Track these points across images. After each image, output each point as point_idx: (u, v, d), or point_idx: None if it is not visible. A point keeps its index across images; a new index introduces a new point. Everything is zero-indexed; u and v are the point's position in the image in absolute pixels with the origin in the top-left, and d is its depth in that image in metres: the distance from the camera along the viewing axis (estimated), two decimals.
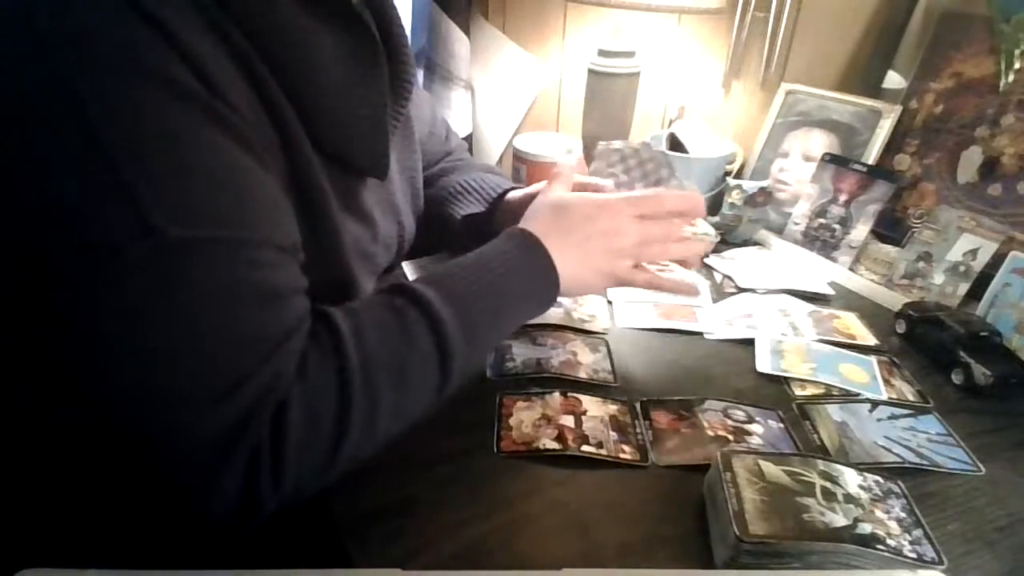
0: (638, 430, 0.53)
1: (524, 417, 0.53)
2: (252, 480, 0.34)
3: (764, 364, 0.62)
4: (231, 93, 0.37)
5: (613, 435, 0.52)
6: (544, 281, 0.51)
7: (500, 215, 0.71)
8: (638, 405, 0.56)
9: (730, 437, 0.52)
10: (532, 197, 0.67)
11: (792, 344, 0.65)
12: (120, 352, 0.33)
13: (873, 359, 0.64)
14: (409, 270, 0.76)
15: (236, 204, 0.36)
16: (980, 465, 0.51)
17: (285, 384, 0.35)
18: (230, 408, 0.33)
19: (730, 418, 0.55)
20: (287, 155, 0.43)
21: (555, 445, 0.50)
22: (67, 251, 0.32)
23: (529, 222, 0.55)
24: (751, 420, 0.55)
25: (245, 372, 0.34)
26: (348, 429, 0.37)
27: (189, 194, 0.34)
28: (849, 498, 0.42)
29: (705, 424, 0.54)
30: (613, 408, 0.55)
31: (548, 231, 0.52)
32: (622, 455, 0.50)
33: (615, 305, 0.72)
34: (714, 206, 0.93)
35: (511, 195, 0.71)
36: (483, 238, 0.71)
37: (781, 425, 0.54)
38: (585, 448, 0.50)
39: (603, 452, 0.50)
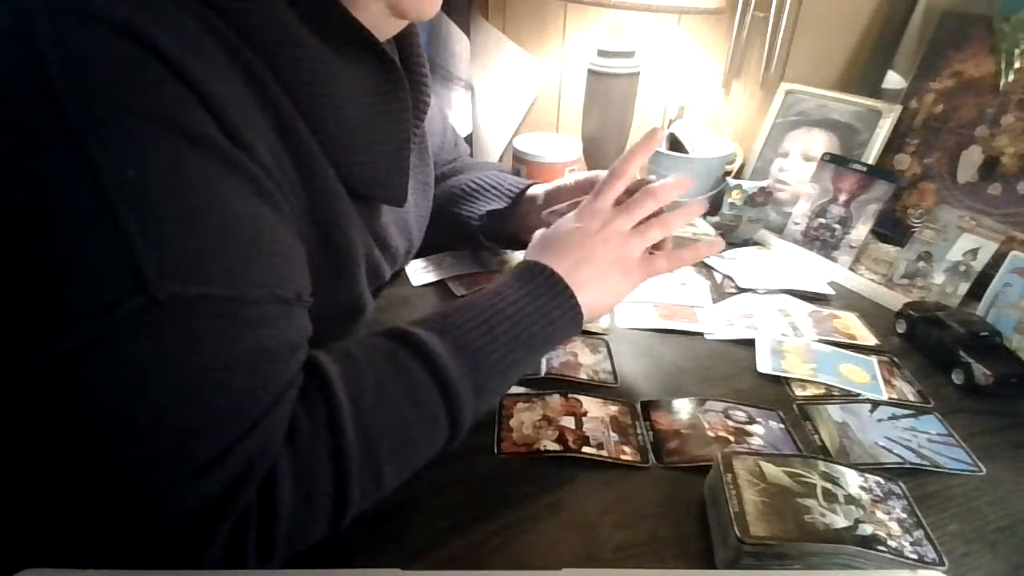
0: (639, 431, 0.53)
1: (524, 418, 0.53)
2: (237, 549, 0.32)
3: (764, 364, 0.62)
4: (251, 137, 0.36)
5: (614, 436, 0.52)
6: (566, 321, 0.48)
7: (521, 211, 0.70)
8: (639, 406, 0.56)
9: (731, 438, 0.52)
10: (553, 193, 0.67)
11: (792, 344, 0.65)
12: (99, 414, 0.31)
13: (873, 359, 0.64)
14: (409, 271, 0.76)
15: (240, 257, 0.34)
16: (981, 465, 0.51)
17: (273, 451, 0.34)
18: (215, 479, 0.31)
19: (731, 419, 0.55)
20: (308, 192, 0.42)
21: (556, 446, 0.50)
22: (59, 303, 0.31)
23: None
24: (752, 421, 0.55)
25: (231, 442, 0.32)
26: (348, 502, 0.36)
27: (191, 247, 0.32)
28: (850, 499, 0.42)
29: (706, 425, 0.54)
30: (614, 409, 0.55)
31: (553, 264, 0.49)
32: (623, 456, 0.50)
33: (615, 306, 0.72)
34: (714, 206, 0.93)
35: (532, 191, 0.71)
36: (502, 235, 0.72)
37: (782, 426, 0.54)
38: (586, 449, 0.50)
39: (604, 453, 0.50)
